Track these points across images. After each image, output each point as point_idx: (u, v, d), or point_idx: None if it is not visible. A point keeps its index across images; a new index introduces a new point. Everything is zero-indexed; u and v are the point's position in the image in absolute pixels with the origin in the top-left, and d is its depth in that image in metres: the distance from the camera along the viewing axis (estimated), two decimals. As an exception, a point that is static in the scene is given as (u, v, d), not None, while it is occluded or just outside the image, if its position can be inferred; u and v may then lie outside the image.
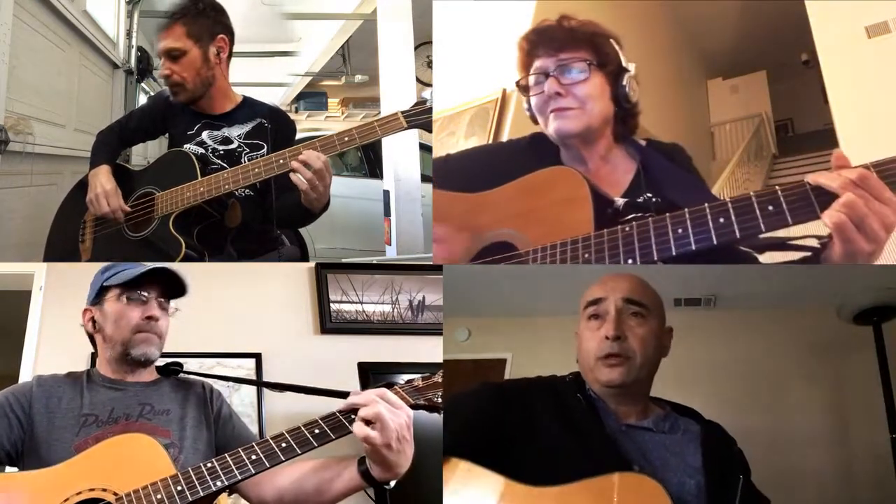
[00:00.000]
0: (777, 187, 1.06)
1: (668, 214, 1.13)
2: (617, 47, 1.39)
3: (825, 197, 1.02)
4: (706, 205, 1.11)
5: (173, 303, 1.49)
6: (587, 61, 1.35)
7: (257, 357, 2.16)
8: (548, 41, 1.38)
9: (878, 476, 2.34)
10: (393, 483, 1.23)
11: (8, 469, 1.39)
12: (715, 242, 1.08)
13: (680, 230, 1.10)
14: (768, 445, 2.37)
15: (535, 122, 1.44)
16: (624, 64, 1.38)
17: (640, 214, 1.25)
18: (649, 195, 1.33)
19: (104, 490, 1.18)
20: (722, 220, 1.08)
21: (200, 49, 1.83)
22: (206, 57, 1.83)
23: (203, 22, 1.83)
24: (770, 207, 1.05)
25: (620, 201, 1.32)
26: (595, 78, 1.35)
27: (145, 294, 1.42)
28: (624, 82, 1.37)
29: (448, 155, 1.62)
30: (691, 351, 2.50)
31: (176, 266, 1.44)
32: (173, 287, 1.45)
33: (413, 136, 3.15)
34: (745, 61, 7.05)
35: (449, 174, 1.52)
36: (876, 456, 2.30)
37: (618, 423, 1.21)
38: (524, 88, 1.42)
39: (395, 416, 1.17)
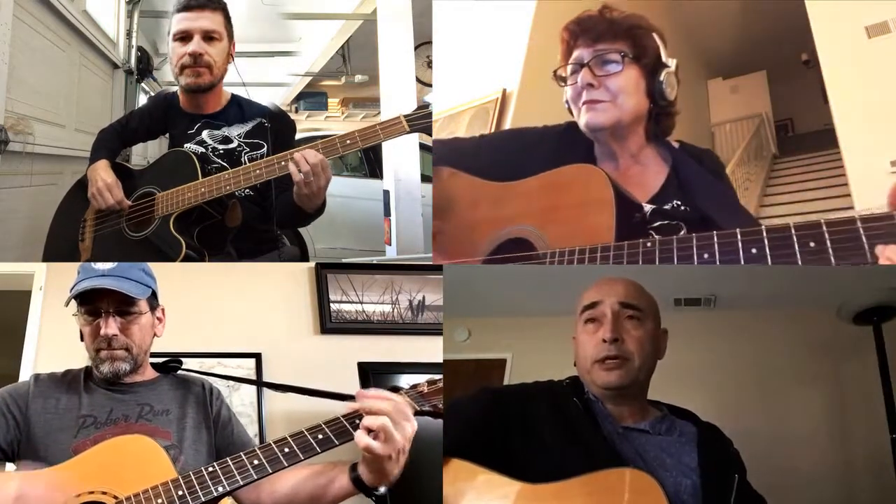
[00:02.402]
0: (822, 220, 0.94)
1: (694, 235, 1.06)
2: (659, 41, 1.36)
3: (877, 240, 0.91)
4: (737, 231, 1.01)
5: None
6: (622, 53, 1.32)
7: (257, 357, 2.16)
8: (587, 31, 1.36)
9: (878, 476, 2.34)
10: (383, 489, 1.22)
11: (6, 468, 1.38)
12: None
13: (706, 255, 1.03)
14: (768, 445, 2.37)
15: (572, 113, 1.41)
16: (664, 59, 1.35)
17: (666, 222, 1.24)
18: (678, 203, 1.31)
19: (104, 493, 1.17)
20: (754, 250, 0.99)
21: (230, 42, 1.86)
22: (229, 52, 1.86)
23: (230, 21, 1.86)
24: (812, 244, 0.94)
25: (648, 208, 1.30)
26: (630, 71, 1.32)
27: (98, 310, 1.36)
28: (661, 78, 1.33)
29: (483, 135, 1.60)
30: (691, 351, 2.50)
31: (117, 284, 1.35)
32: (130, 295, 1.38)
33: (413, 137, 3.14)
34: (745, 61, 7.05)
35: (479, 156, 1.50)
36: (876, 456, 2.30)
37: (615, 425, 1.22)
38: (562, 79, 1.40)
39: (400, 430, 1.16)
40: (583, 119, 1.35)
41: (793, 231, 0.96)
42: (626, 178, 1.34)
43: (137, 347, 1.40)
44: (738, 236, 1.00)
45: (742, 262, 0.99)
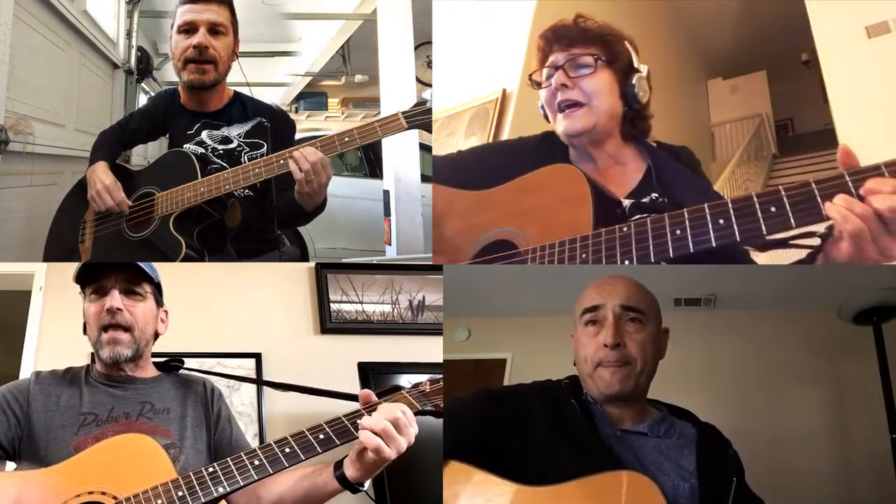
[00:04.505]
0: (780, 187, 1.02)
1: (666, 215, 1.10)
2: (631, 49, 1.40)
3: (832, 199, 0.98)
4: (705, 205, 1.07)
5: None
6: (595, 56, 1.36)
7: (257, 357, 2.16)
8: (561, 38, 1.40)
9: (878, 476, 2.34)
10: (367, 484, 1.24)
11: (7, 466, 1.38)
12: (714, 245, 1.05)
13: (678, 231, 1.08)
14: (768, 445, 2.37)
15: (547, 119, 1.44)
16: (635, 64, 1.39)
17: (645, 216, 1.25)
18: (655, 195, 1.32)
19: (103, 494, 1.16)
20: (721, 221, 1.04)
21: (234, 39, 1.84)
22: (234, 48, 1.84)
23: (236, 17, 1.84)
24: (772, 209, 1.01)
25: (627, 202, 1.31)
26: (602, 73, 1.36)
27: (104, 288, 1.38)
28: (633, 81, 1.37)
29: (459, 152, 1.62)
30: (691, 351, 2.51)
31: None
32: (138, 273, 1.41)
33: (413, 137, 3.15)
34: (745, 61, 7.06)
35: (457, 171, 1.52)
36: (876, 456, 2.30)
37: (613, 428, 1.21)
38: (537, 83, 1.43)
39: (405, 436, 1.18)
40: (560, 126, 1.37)
41: (755, 199, 1.03)
42: (605, 178, 1.36)
43: (140, 331, 1.40)
44: (707, 210, 1.06)
45: (711, 234, 1.05)
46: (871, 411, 2.32)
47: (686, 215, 1.08)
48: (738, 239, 1.04)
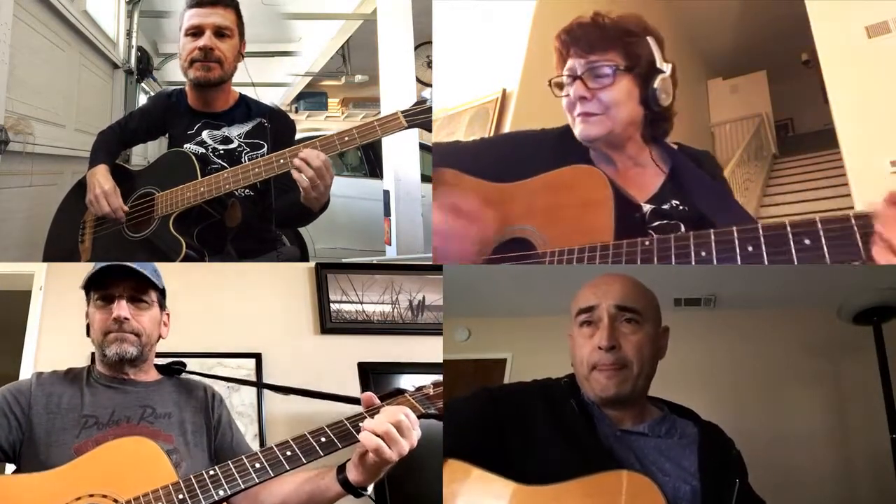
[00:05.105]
0: (817, 217, 0.96)
1: (692, 234, 1.06)
2: (653, 46, 1.34)
3: (871, 235, 0.92)
4: (734, 229, 1.02)
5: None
6: (613, 66, 1.30)
7: (257, 357, 2.16)
8: (579, 40, 1.33)
9: (878, 476, 2.35)
10: (370, 489, 1.23)
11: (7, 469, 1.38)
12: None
13: (703, 253, 1.03)
14: (768, 445, 2.37)
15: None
16: (658, 65, 1.33)
17: (665, 222, 1.24)
18: (676, 202, 1.30)
19: (104, 496, 1.16)
20: (751, 248, 0.99)
21: (240, 41, 1.86)
22: (239, 50, 1.87)
23: (242, 19, 1.87)
24: (806, 241, 0.95)
25: (647, 208, 1.29)
26: (622, 82, 1.30)
27: (111, 295, 1.38)
28: (655, 85, 1.31)
29: (483, 138, 1.60)
30: (691, 351, 2.51)
31: (137, 264, 1.40)
32: (146, 281, 1.41)
33: (413, 136, 3.15)
34: (745, 61, 7.06)
35: (479, 159, 1.49)
36: (876, 456, 2.30)
37: (612, 428, 1.19)
38: (558, 86, 1.38)
39: (407, 438, 1.18)
40: (577, 130, 1.34)
41: (788, 229, 0.97)
42: (625, 180, 1.33)
43: (147, 336, 1.40)
44: (735, 234, 1.01)
45: (739, 260, 1.00)
46: (871, 411, 2.32)
47: (713, 237, 1.04)
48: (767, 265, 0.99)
